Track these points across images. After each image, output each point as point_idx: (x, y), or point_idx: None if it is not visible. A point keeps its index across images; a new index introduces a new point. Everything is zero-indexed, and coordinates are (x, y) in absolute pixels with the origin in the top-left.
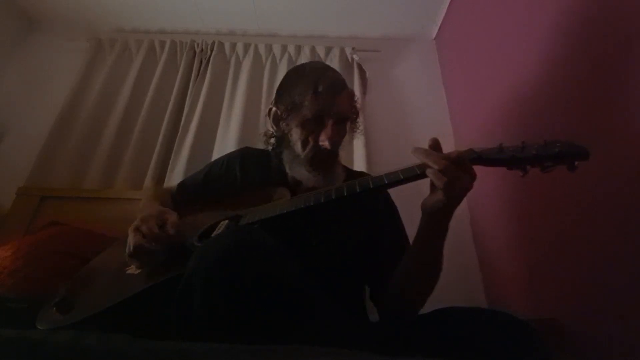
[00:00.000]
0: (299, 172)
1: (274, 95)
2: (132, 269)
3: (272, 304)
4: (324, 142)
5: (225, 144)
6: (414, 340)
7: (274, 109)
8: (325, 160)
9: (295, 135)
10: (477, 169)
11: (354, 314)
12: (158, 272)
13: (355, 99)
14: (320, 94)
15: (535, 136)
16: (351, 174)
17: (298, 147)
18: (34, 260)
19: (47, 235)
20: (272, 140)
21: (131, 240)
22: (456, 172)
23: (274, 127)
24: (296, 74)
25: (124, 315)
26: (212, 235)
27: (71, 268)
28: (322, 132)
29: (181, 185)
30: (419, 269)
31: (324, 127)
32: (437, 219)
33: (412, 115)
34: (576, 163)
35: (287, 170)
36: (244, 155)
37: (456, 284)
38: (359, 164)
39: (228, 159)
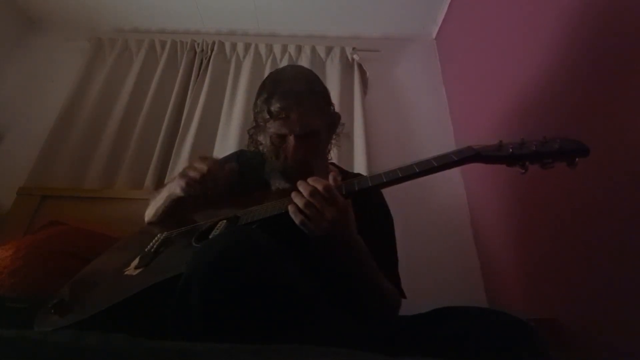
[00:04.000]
0: (277, 182)
1: None
2: (131, 270)
3: (270, 305)
4: (288, 156)
5: (226, 144)
6: (414, 340)
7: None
8: (299, 172)
9: (268, 147)
10: (477, 166)
11: (353, 314)
12: (156, 273)
13: (330, 106)
14: (274, 114)
15: (537, 135)
16: (346, 176)
17: (273, 159)
18: (34, 260)
19: (47, 235)
20: (259, 148)
21: (198, 165)
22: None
23: (255, 137)
24: (262, 85)
25: (122, 316)
26: (210, 236)
27: (71, 268)
28: (288, 147)
29: None
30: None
31: (289, 142)
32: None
33: (412, 115)
34: (576, 159)
35: (269, 180)
36: (240, 157)
37: (456, 284)
38: (359, 164)
39: (224, 162)
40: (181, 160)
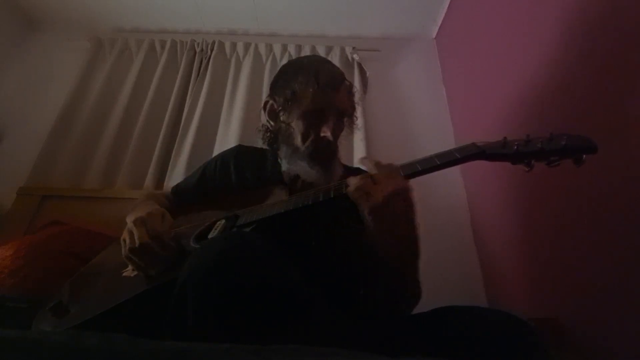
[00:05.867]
0: (298, 165)
1: (268, 89)
2: (129, 272)
3: (268, 308)
4: (326, 133)
5: (226, 143)
6: (414, 339)
7: (270, 101)
8: (326, 154)
9: (296, 127)
10: (477, 166)
11: (354, 313)
12: (154, 275)
13: (355, 90)
14: (321, 87)
15: (539, 134)
16: (348, 170)
17: (298, 140)
18: (34, 260)
19: (47, 235)
20: (268, 134)
21: (136, 234)
22: (369, 186)
23: (270, 122)
24: (294, 66)
25: (120, 319)
26: (209, 236)
27: (71, 268)
28: (324, 125)
29: (176, 188)
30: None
31: (325, 120)
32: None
33: (412, 114)
34: (584, 157)
35: (285, 165)
36: (238, 154)
37: (456, 284)
38: (358, 163)
39: (222, 158)
40: (181, 160)
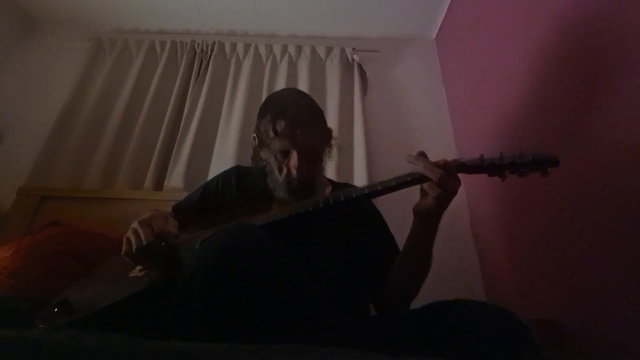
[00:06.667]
0: (281, 195)
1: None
2: (136, 272)
3: (271, 302)
4: (292, 171)
5: (226, 144)
6: (414, 339)
7: (255, 137)
8: (302, 187)
9: (272, 163)
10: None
11: (355, 314)
12: (159, 273)
13: (327, 126)
14: (278, 134)
15: (535, 135)
16: (336, 186)
17: (276, 173)
18: (34, 261)
19: (47, 235)
20: (261, 162)
21: (142, 233)
22: (447, 181)
23: (258, 153)
24: (264, 108)
25: (124, 315)
26: None
27: (71, 268)
28: (289, 163)
29: (176, 207)
30: (412, 266)
31: (290, 159)
32: (428, 221)
33: (412, 115)
34: (548, 169)
35: (274, 192)
36: (238, 173)
37: (456, 285)
38: (358, 165)
39: (222, 177)
40: (181, 160)
